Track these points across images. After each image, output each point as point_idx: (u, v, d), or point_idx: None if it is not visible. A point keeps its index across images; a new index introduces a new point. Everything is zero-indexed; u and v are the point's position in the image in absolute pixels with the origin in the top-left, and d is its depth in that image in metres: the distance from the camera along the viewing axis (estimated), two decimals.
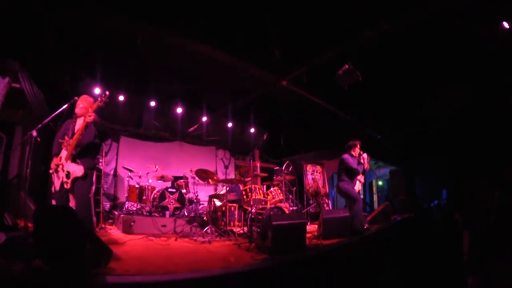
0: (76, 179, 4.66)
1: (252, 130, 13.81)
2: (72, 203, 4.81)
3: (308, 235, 7.11)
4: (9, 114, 7.09)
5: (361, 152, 7.89)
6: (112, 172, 10.90)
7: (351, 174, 7.73)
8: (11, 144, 7.37)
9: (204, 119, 12.16)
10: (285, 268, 4.80)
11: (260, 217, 6.92)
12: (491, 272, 4.34)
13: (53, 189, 4.91)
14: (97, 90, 9.44)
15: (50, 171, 4.97)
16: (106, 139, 5.58)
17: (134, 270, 4.00)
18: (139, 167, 9.88)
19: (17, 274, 3.27)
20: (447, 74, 8.66)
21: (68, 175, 4.67)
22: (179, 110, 11.64)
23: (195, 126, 12.24)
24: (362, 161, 7.78)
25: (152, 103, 11.17)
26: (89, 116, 4.67)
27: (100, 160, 9.76)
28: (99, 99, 4.78)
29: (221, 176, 13.11)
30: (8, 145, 7.31)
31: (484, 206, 5.69)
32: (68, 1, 6.33)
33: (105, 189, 10.56)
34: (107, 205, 10.46)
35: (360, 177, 8.85)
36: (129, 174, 9.53)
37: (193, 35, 7.45)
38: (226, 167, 13.87)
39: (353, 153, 7.81)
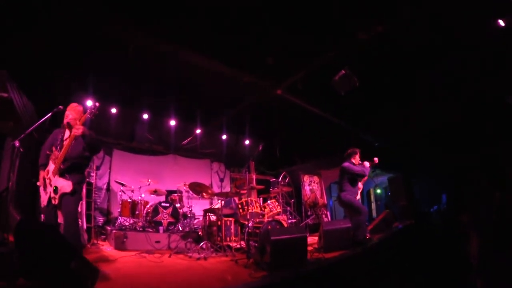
0: (64, 194, 4.40)
1: (247, 141, 13.64)
2: (60, 219, 4.55)
3: (309, 248, 6.94)
4: None
5: (361, 162, 7.70)
6: (105, 186, 10.67)
7: (355, 181, 7.53)
8: (1, 156, 7.15)
9: (198, 131, 11.99)
10: (285, 285, 4.55)
11: (257, 231, 6.64)
12: (500, 274, 4.20)
13: (41, 203, 4.64)
14: (89, 102, 9.24)
15: (38, 183, 4.73)
16: (97, 152, 5.30)
17: None
18: (132, 181, 9.68)
19: None
20: (444, 74, 8.48)
21: (56, 190, 4.41)
22: (173, 122, 11.46)
23: (188, 139, 12.08)
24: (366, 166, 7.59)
25: (145, 116, 10.99)
26: (77, 129, 4.40)
27: (92, 174, 9.53)
28: (88, 110, 4.50)
29: (216, 189, 12.91)
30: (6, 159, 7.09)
31: (488, 206, 5.62)
32: (58, 8, 6.15)
33: (98, 203, 10.34)
34: (100, 220, 10.23)
35: (360, 185, 8.70)
36: (122, 188, 9.32)
37: (185, 43, 7.28)
38: (222, 180, 13.66)
39: (353, 161, 7.60)
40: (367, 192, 17.54)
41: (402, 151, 12.63)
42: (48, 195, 4.51)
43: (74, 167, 4.57)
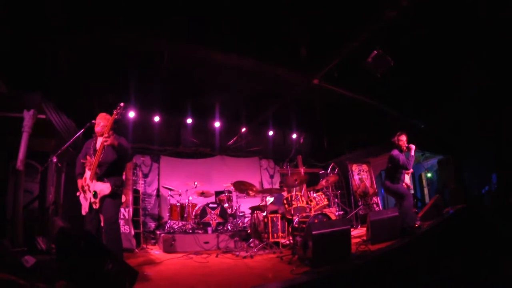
0: (104, 197, 4.49)
1: (294, 136, 13.49)
2: (103, 223, 4.67)
3: (356, 240, 6.80)
4: (42, 144, 7.15)
5: (409, 145, 7.39)
6: (154, 193, 10.94)
7: (399, 171, 7.24)
8: (47, 173, 7.46)
9: (243, 130, 11.99)
10: (328, 280, 4.32)
11: (304, 226, 6.50)
12: None
13: (83, 211, 4.76)
14: (131, 114, 9.51)
15: (77, 194, 4.86)
16: (128, 160, 5.37)
17: None
18: (181, 185, 9.79)
19: None
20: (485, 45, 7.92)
21: (95, 194, 4.49)
22: (217, 124, 11.56)
23: (234, 139, 12.14)
24: (411, 153, 7.26)
25: (189, 120, 11.19)
26: (107, 139, 4.47)
27: (141, 182, 9.76)
28: (114, 112, 4.55)
29: (266, 186, 12.93)
30: (44, 174, 7.39)
31: None
32: (86, 24, 6.32)
33: (149, 209, 10.65)
34: (152, 225, 10.52)
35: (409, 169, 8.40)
36: (170, 193, 9.47)
37: (214, 44, 7.30)
38: (272, 177, 13.64)
39: (401, 144, 7.29)
40: (419, 176, 16.93)
41: (450, 132, 12.10)
42: (88, 201, 4.60)
43: (110, 171, 4.65)
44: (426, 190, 16.34)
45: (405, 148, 7.23)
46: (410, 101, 10.45)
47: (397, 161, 7.03)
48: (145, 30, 6.73)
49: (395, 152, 7.20)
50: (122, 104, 4.54)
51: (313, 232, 5.04)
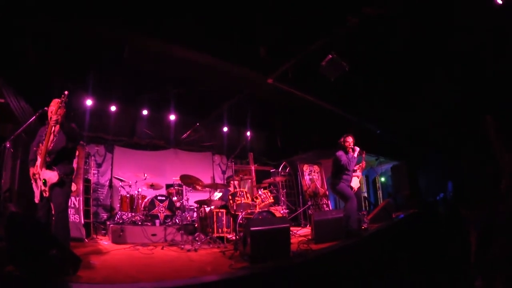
0: (53, 185, 4.63)
1: (248, 133, 13.71)
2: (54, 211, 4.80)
3: (301, 239, 7.06)
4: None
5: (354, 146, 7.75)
6: (107, 183, 10.94)
7: (342, 171, 7.59)
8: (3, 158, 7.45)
9: (197, 125, 12.14)
10: (266, 277, 4.57)
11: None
12: (500, 273, 4.16)
13: (36, 199, 4.88)
14: (88, 102, 9.53)
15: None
16: (77, 142, 5.46)
17: (100, 279, 4.06)
18: (133, 177, 9.83)
19: None
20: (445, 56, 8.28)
21: (45, 182, 4.62)
22: (172, 117, 11.64)
23: (187, 133, 12.25)
24: (354, 154, 7.59)
25: (145, 112, 11.23)
26: (51, 119, 4.59)
27: (93, 171, 9.82)
28: (59, 100, 4.63)
29: (218, 181, 13.05)
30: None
31: (491, 198, 5.42)
32: (50, 11, 6.33)
33: (101, 200, 10.67)
34: (104, 216, 10.54)
35: (358, 173, 8.77)
36: (121, 183, 9.56)
37: (176, 40, 7.41)
38: (224, 172, 13.83)
39: (347, 146, 7.61)
40: (373, 180, 17.55)
41: (406, 139, 12.58)
42: (39, 189, 4.74)
43: (59, 159, 4.79)
44: (379, 194, 16.93)
45: (350, 149, 7.60)
46: (368, 106, 10.82)
47: (339, 161, 7.36)
48: (107, 22, 6.78)
49: (339, 152, 7.53)
50: (66, 92, 4.59)
51: (251, 229, 5.25)
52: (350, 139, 7.65)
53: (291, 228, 6.95)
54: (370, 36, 7.33)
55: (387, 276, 5.49)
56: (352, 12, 6.50)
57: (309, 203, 12.07)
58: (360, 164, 8.47)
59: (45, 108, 5.03)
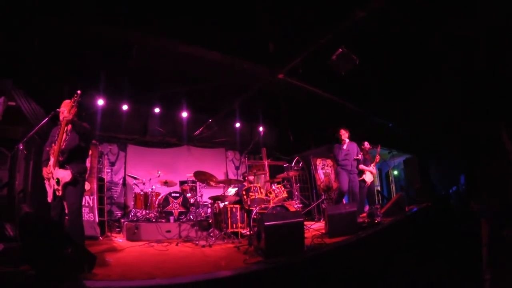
0: (66, 184, 4.64)
1: (261, 128, 13.68)
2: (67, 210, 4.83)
3: (315, 233, 7.02)
4: (11, 132, 7.22)
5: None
6: (121, 181, 11.04)
7: (337, 162, 7.95)
8: (16, 160, 7.52)
9: (210, 121, 12.14)
10: (280, 271, 4.54)
11: None
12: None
13: (48, 198, 4.91)
14: (100, 102, 9.58)
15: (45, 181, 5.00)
16: (90, 140, 5.48)
17: (115, 276, 4.09)
18: (146, 174, 9.89)
19: (8, 279, 3.47)
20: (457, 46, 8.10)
21: (58, 182, 4.64)
22: (184, 114, 11.67)
23: (200, 129, 12.27)
24: (343, 146, 7.73)
25: (156, 110, 11.30)
26: (64, 117, 4.62)
27: (107, 170, 9.88)
28: (72, 100, 4.65)
29: (232, 177, 13.11)
30: (12, 161, 7.45)
31: (502, 191, 5.34)
32: (58, 12, 6.35)
33: (115, 198, 10.76)
34: (118, 214, 10.64)
35: (372, 168, 8.76)
36: (134, 181, 9.62)
37: (183, 36, 7.40)
38: (237, 168, 13.86)
39: (343, 139, 8.03)
40: (386, 174, 17.45)
41: (418, 132, 12.47)
42: (52, 188, 4.77)
43: (72, 158, 4.80)
44: (393, 187, 16.84)
45: (344, 141, 7.73)
46: (380, 100, 10.74)
47: (333, 153, 7.51)
48: (116, 21, 6.80)
49: (336, 145, 7.68)
50: (79, 91, 4.61)
51: (265, 223, 5.20)
52: (343, 132, 8.04)
53: (305, 223, 6.89)
54: (380, 28, 7.25)
55: (401, 269, 5.47)
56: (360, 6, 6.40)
57: (323, 197, 12.01)
58: (374, 159, 8.50)
59: (57, 110, 5.07)
